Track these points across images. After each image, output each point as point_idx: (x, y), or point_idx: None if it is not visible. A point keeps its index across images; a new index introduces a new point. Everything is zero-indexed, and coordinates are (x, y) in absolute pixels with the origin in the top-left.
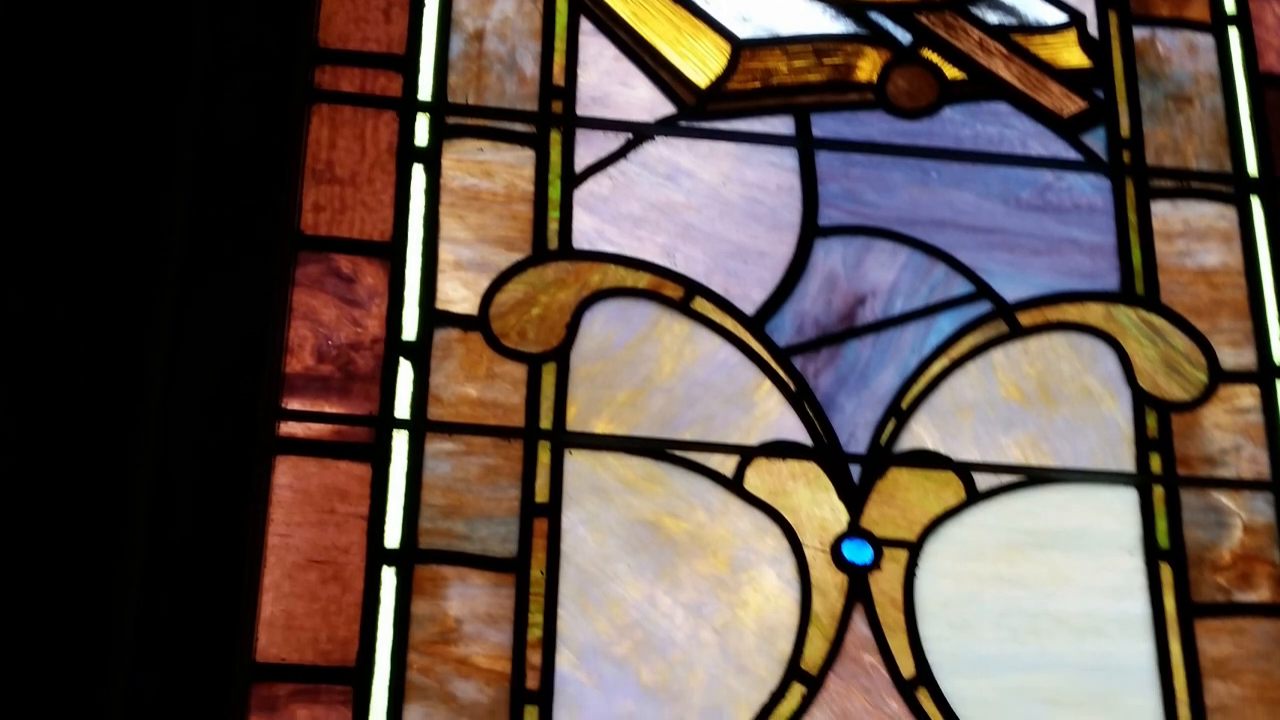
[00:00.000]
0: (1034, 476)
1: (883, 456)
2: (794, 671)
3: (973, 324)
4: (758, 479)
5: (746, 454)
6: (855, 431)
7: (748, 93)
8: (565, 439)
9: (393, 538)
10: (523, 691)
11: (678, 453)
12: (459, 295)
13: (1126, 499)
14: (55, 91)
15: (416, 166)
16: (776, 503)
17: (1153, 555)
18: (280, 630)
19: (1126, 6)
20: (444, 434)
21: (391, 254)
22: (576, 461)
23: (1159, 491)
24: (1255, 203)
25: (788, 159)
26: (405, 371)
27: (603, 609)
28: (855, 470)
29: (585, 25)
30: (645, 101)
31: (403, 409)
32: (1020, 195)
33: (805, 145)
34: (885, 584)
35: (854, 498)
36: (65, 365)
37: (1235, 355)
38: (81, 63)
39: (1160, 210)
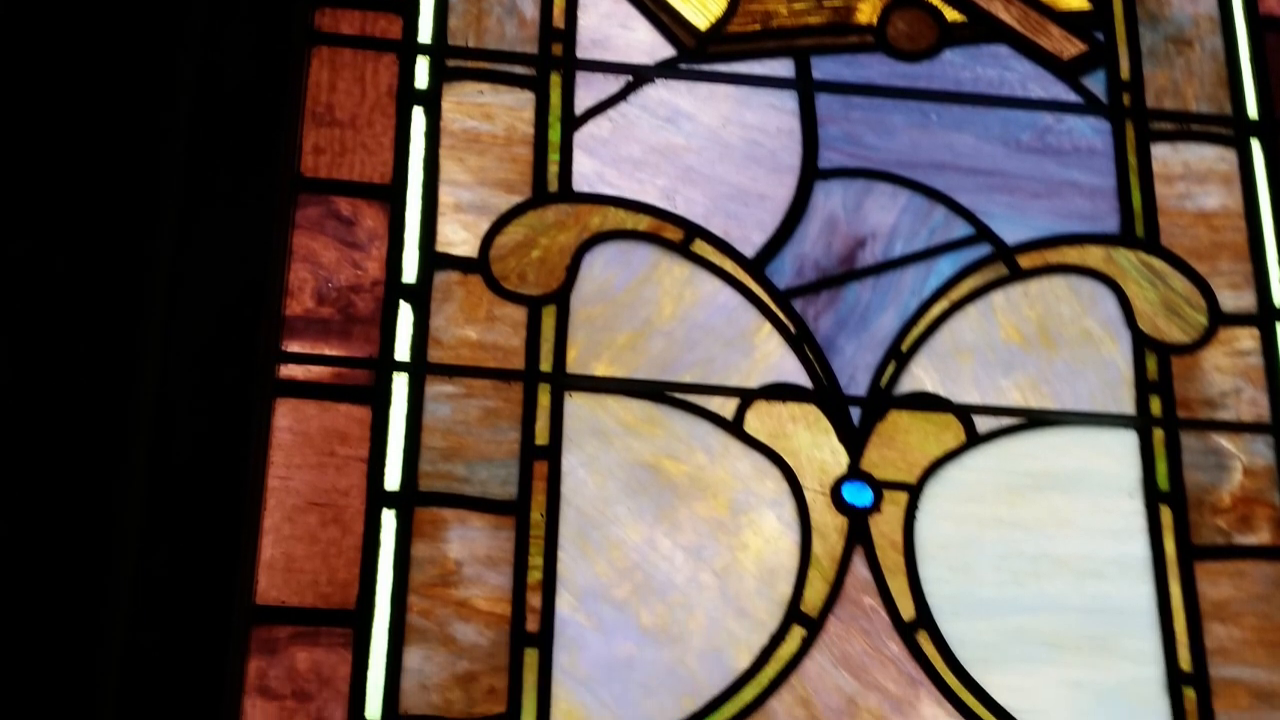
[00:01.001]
0: (1034, 419)
1: (883, 399)
2: (794, 614)
3: (973, 266)
4: (758, 421)
5: (746, 396)
6: (855, 374)
7: (748, 35)
8: (565, 381)
9: (393, 480)
10: (523, 634)
11: (678, 395)
12: (459, 238)
13: (1126, 441)
14: (55, 34)
15: (416, 109)
16: (776, 445)
17: (1153, 498)
18: (280, 573)
19: None
20: (444, 376)
21: (391, 197)
22: (576, 404)
23: (1159, 434)
24: (1255, 145)
25: (788, 101)
26: (405, 314)
27: (603, 551)
28: (855, 413)
29: None
30: (645, 44)
31: (403, 351)
32: (1020, 138)
33: (805, 88)
34: (885, 526)
35: (854, 440)
36: (65, 309)
37: (1235, 298)
38: (82, 5)
39: (1160, 153)
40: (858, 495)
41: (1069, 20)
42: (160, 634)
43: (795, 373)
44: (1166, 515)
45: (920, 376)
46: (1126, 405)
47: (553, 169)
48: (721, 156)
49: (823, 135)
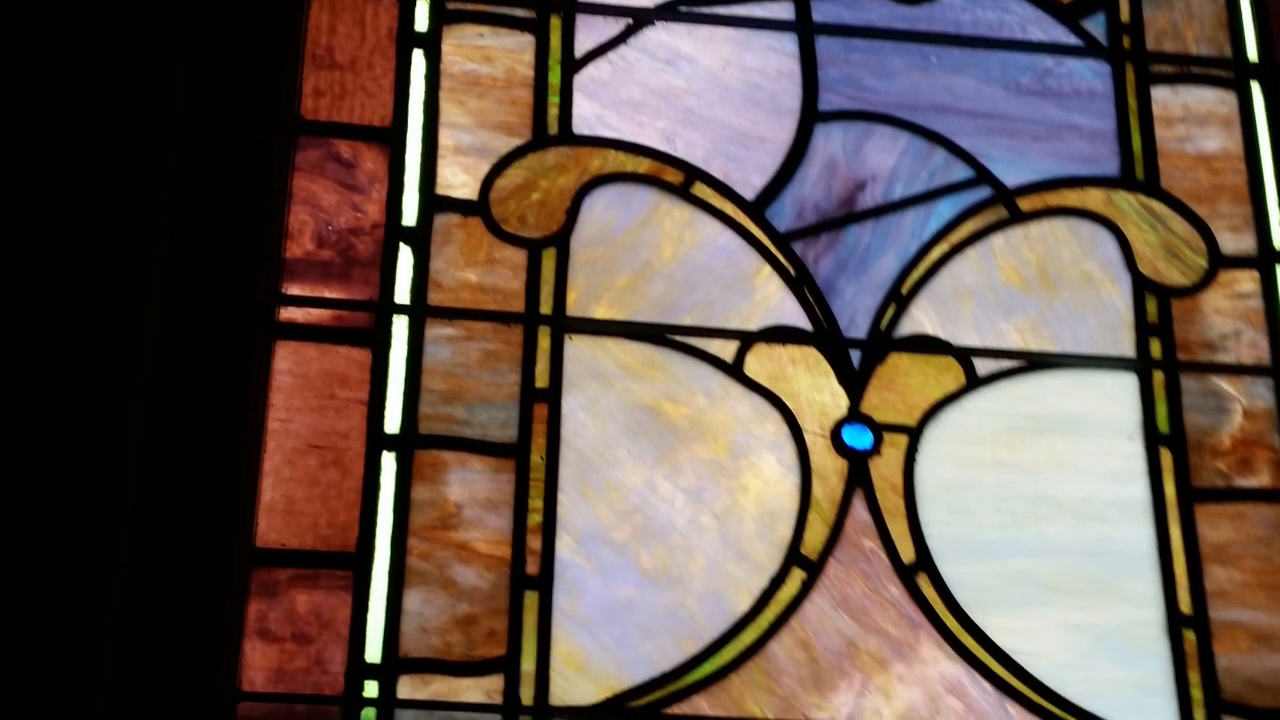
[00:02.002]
0: (1034, 361)
1: (883, 341)
2: (794, 556)
3: (973, 209)
4: (758, 364)
5: (746, 339)
6: (855, 317)
7: None
8: (565, 324)
9: (393, 423)
10: (522, 576)
11: (678, 338)
12: (459, 180)
13: (1126, 384)
14: None
15: (416, 52)
16: (776, 388)
17: (1153, 440)
18: (280, 515)
19: None
20: (444, 319)
21: (391, 139)
22: (576, 346)
23: (1159, 376)
24: (1255, 88)
25: (788, 44)
26: (405, 256)
27: (603, 494)
28: (855, 355)
29: None
30: None
31: (403, 294)
32: (1020, 81)
33: (805, 30)
34: (885, 469)
35: (854, 383)
36: (65, 250)
37: (1235, 240)
38: None
39: (1160, 95)
40: (858, 438)
41: None
42: (161, 577)
43: (795, 315)
44: (1166, 458)
45: (920, 319)
46: (1126, 348)
47: (553, 112)
48: (721, 99)
49: (823, 78)
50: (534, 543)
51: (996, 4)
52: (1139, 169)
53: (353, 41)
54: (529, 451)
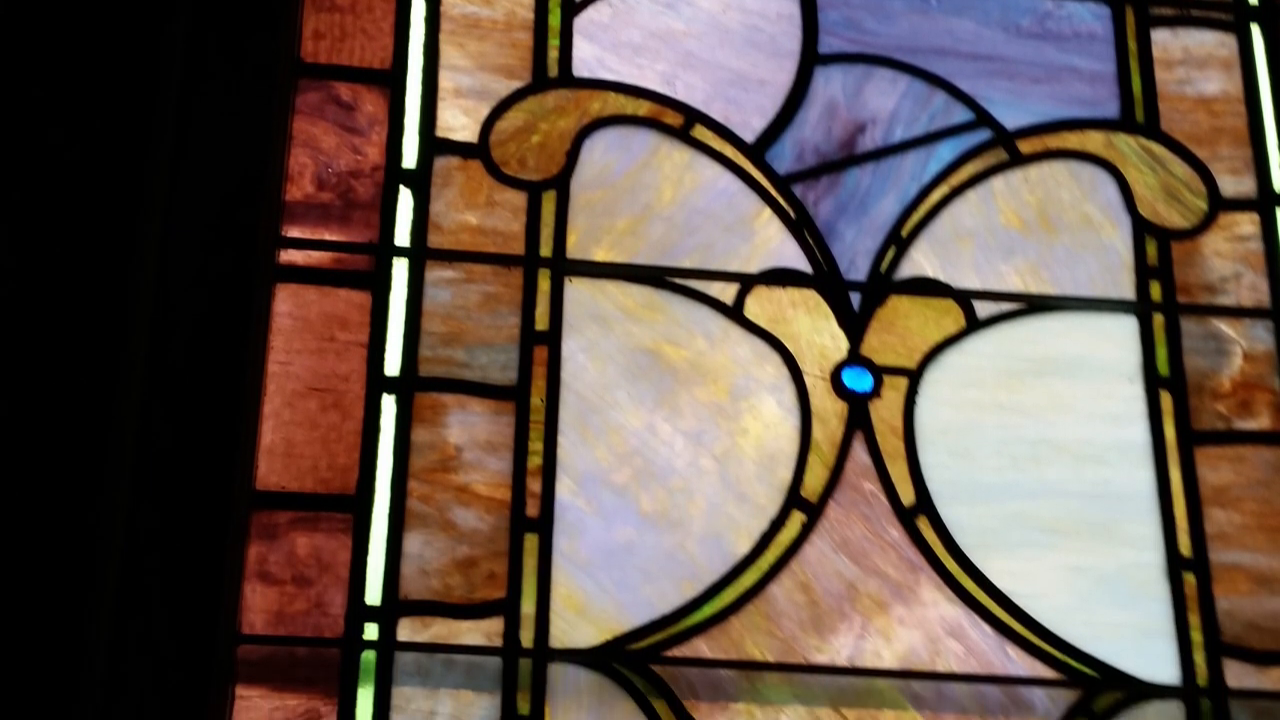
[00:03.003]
0: (1034, 304)
1: (883, 284)
2: (794, 499)
3: (973, 152)
4: (758, 306)
5: (746, 281)
6: (855, 259)
7: None
8: (565, 267)
9: (393, 365)
10: (522, 519)
11: (678, 280)
12: (459, 123)
13: (1126, 326)
14: None
15: None
16: (776, 330)
17: (1153, 383)
18: (280, 458)
19: None
20: (444, 261)
21: (391, 81)
22: (576, 289)
23: (1159, 319)
24: (1255, 31)
25: None
26: (405, 199)
27: (603, 437)
28: (855, 298)
29: None
30: None
31: (403, 236)
32: (1020, 23)
33: None
34: (885, 411)
35: (854, 325)
36: (65, 195)
37: (1235, 183)
38: None
39: (1160, 38)
40: (858, 380)
41: None
42: (161, 519)
43: (795, 258)
44: (1166, 400)
45: (920, 262)
46: (1126, 290)
47: (553, 54)
48: (721, 42)
49: (822, 20)
50: (534, 485)
51: None
52: (1139, 112)
53: None
54: (529, 394)
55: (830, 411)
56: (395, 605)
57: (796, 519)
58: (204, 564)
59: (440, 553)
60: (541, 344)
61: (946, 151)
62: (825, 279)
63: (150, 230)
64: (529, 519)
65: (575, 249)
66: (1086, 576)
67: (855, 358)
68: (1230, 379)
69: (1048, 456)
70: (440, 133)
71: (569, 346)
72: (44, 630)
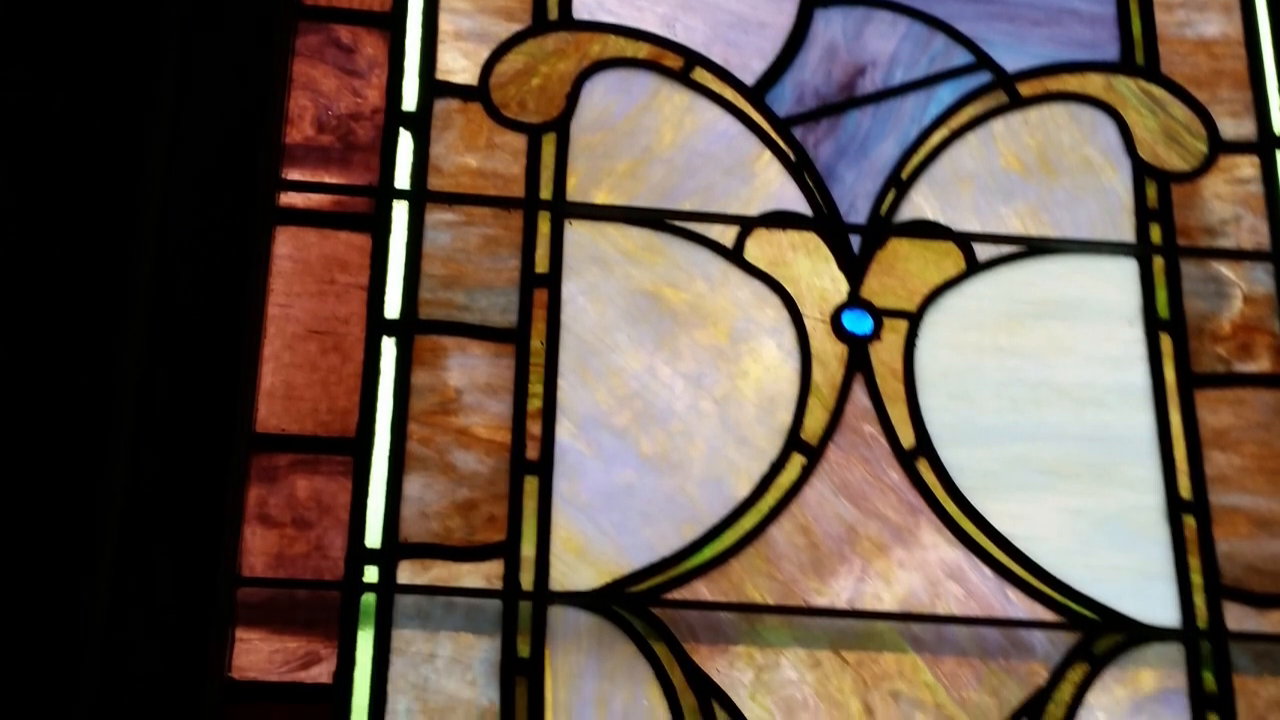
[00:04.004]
0: (1034, 247)
1: (883, 227)
2: (794, 442)
3: (973, 94)
4: (758, 249)
5: (746, 224)
6: (855, 202)
7: None
8: (565, 209)
9: (393, 308)
10: (522, 461)
11: (678, 223)
12: (459, 65)
13: (1126, 269)
14: None
15: None
16: (776, 273)
17: (1153, 325)
18: (280, 401)
19: None
20: (444, 204)
21: (391, 24)
22: (576, 232)
23: (1159, 262)
24: None
25: None
26: (405, 142)
27: (603, 379)
28: (855, 240)
29: None
30: None
31: (403, 179)
32: None
33: None
34: (885, 354)
35: (854, 268)
36: (65, 137)
37: (1235, 125)
38: None
39: None
40: (858, 323)
41: None
42: (161, 462)
43: (795, 200)
44: (1166, 343)
45: (920, 204)
46: (1126, 233)
47: None
48: None
49: None
50: (534, 428)
51: None
52: (1139, 54)
53: None
54: (529, 336)
55: (830, 354)
56: (395, 548)
57: (796, 461)
58: (204, 507)
59: (440, 495)
60: (541, 286)
61: (946, 94)
62: (825, 221)
63: (152, 173)
64: (529, 462)
65: (575, 192)
66: (1086, 519)
67: (855, 300)
68: (1230, 321)
69: (1048, 399)
70: (440, 75)
71: (569, 289)
72: (45, 574)
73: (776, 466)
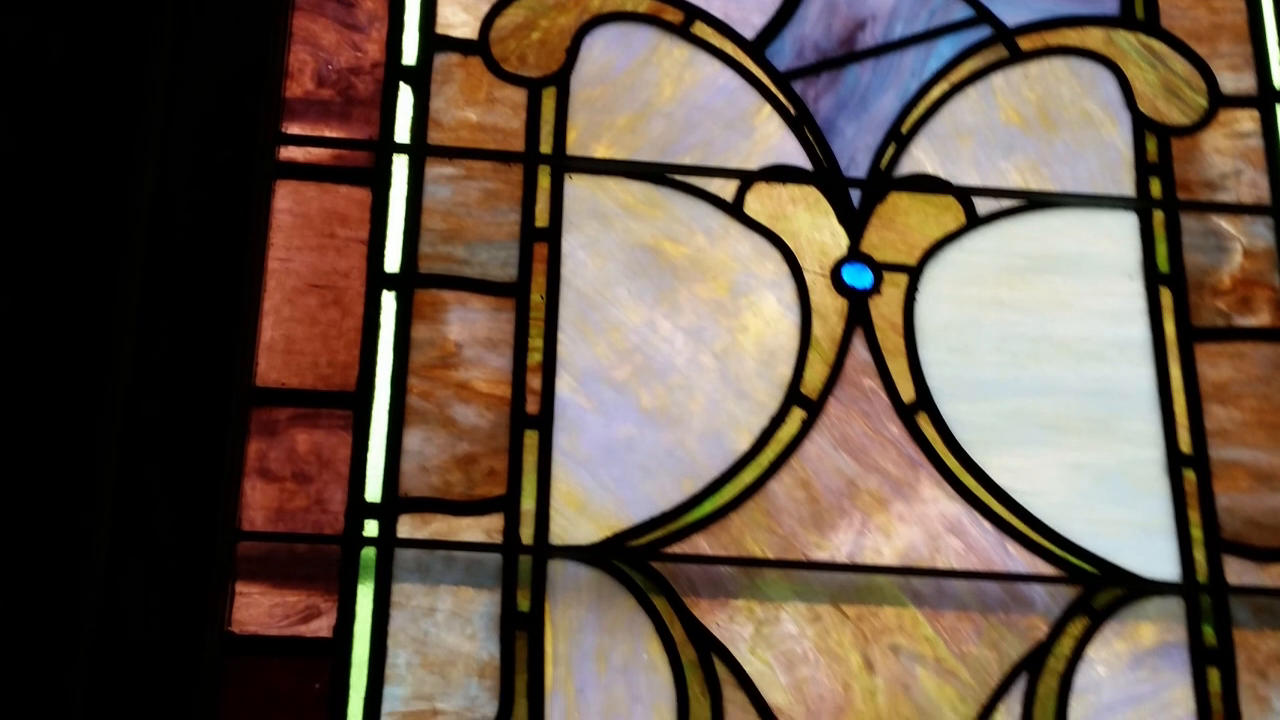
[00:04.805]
0: (1034, 201)
1: (883, 181)
2: (794, 396)
3: (973, 48)
4: (758, 203)
5: (746, 178)
6: (855, 156)
7: None
8: (565, 163)
9: (393, 262)
10: (523, 415)
11: (678, 177)
12: (459, 19)
13: (1126, 223)
14: None
15: None
16: (776, 227)
17: (1153, 279)
18: (280, 355)
19: None
20: (444, 158)
21: None
22: (576, 186)
23: (1159, 216)
24: None
25: None
26: (405, 96)
27: (603, 333)
28: (855, 194)
29: None
30: None
31: (403, 133)
32: None
33: None
34: (885, 308)
35: (854, 222)
36: (65, 90)
37: (1235, 79)
38: None
39: None
40: (858, 277)
41: None
42: (161, 416)
43: (795, 154)
44: (1166, 297)
45: (920, 158)
46: (1126, 187)
47: None
48: None
49: None
50: (534, 382)
51: None
52: (1139, 8)
53: None
54: (529, 290)
55: (830, 308)
56: (395, 502)
57: (796, 416)
58: (204, 461)
59: (440, 449)
60: (541, 241)
61: (946, 48)
62: (825, 176)
63: (151, 128)
64: (529, 416)
65: (575, 146)
66: (1086, 473)
67: (855, 254)
68: (1230, 275)
69: (1048, 353)
70: (440, 29)
71: (569, 243)
72: (45, 528)
73: (776, 421)
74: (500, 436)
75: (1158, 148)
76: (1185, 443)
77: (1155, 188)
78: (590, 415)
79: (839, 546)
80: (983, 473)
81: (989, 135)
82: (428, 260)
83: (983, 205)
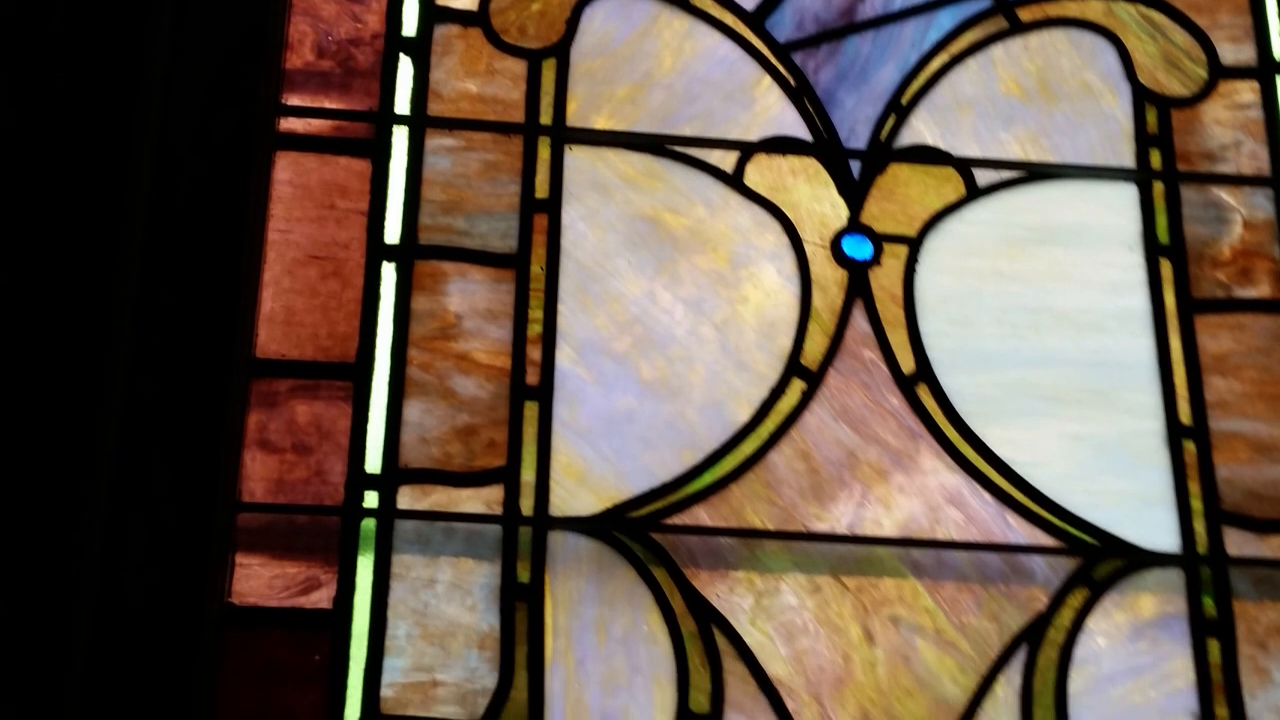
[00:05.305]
0: (1034, 172)
1: (883, 152)
2: (794, 367)
3: (973, 19)
4: (758, 174)
5: (746, 149)
6: (855, 127)
7: None
8: (565, 135)
9: (393, 233)
10: (522, 387)
11: (678, 148)
12: None
13: (1126, 195)
14: None
15: None
16: (776, 198)
17: (1153, 251)
18: (280, 326)
19: None
20: (444, 130)
21: None
22: (576, 157)
23: (1159, 187)
24: None
25: None
26: (405, 67)
27: (603, 305)
28: (855, 166)
29: None
30: None
31: (403, 105)
32: None
33: None
34: (885, 280)
35: (854, 193)
36: (64, 61)
37: (1235, 51)
38: None
39: None
40: (858, 248)
41: None
42: (160, 388)
43: (795, 126)
44: (1166, 268)
45: (920, 130)
46: (1126, 158)
47: None
48: None
49: None
50: (534, 353)
51: None
52: None
53: None
54: (529, 262)
55: (830, 279)
56: (395, 473)
57: (796, 387)
58: (204, 432)
59: (440, 421)
60: (541, 212)
61: (946, 19)
62: (825, 147)
63: (151, 98)
64: (529, 387)
65: (575, 117)
66: (1086, 444)
67: (855, 226)
68: (1230, 247)
69: (1048, 325)
70: (440, 1)
71: (569, 214)
72: (44, 500)
73: (776, 392)
74: (500, 408)
75: (1158, 119)
76: (1185, 414)
77: (1155, 159)
78: (590, 386)
79: (839, 518)
80: (983, 444)
81: (989, 107)
82: (428, 232)
83: (983, 176)
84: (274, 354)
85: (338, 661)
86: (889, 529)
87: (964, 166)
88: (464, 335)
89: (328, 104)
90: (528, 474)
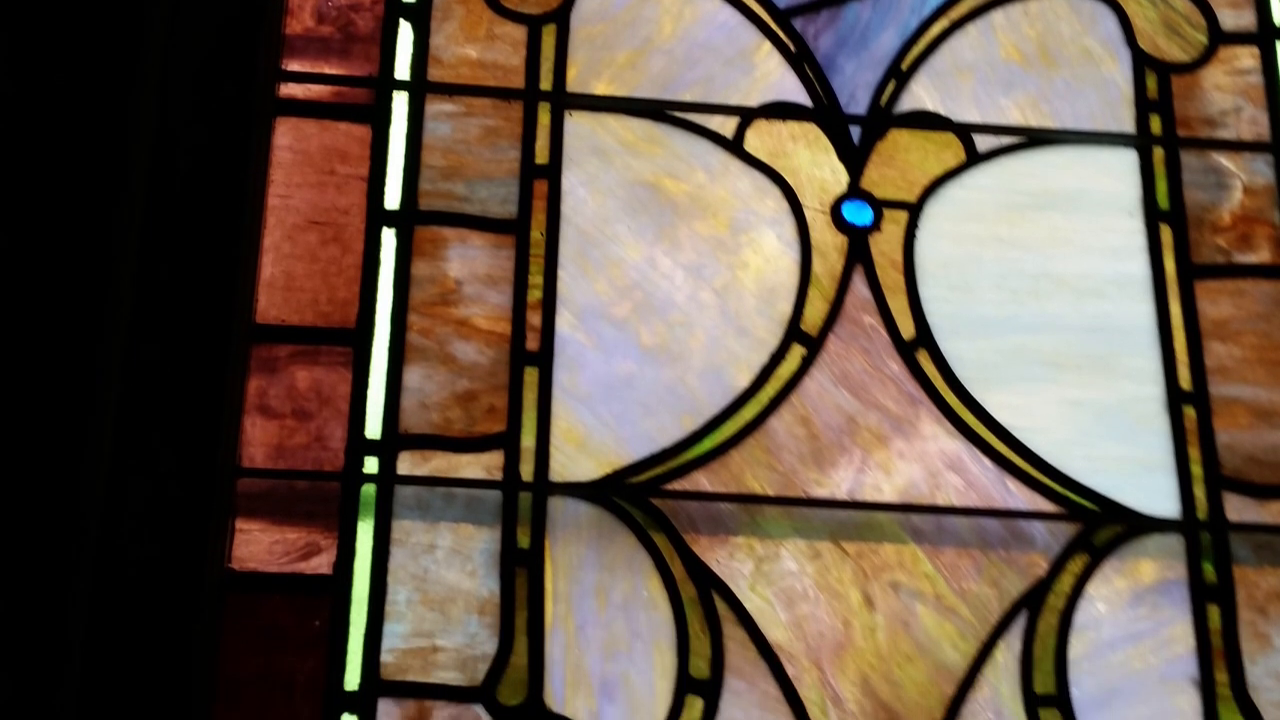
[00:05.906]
0: (1034, 138)
1: (883, 117)
2: (794, 332)
3: None
4: (758, 140)
5: (746, 115)
6: (855, 93)
7: None
8: (565, 100)
9: (393, 199)
10: (522, 352)
11: (678, 114)
12: None
13: (1126, 160)
14: None
15: None
16: (776, 164)
17: (1153, 216)
18: (280, 291)
19: None
20: (444, 95)
21: None
22: (576, 123)
23: (1159, 153)
24: None
25: None
26: (405, 32)
27: (603, 270)
28: (855, 131)
29: None
30: None
31: (403, 70)
32: None
33: None
34: (885, 245)
35: (854, 159)
36: (63, 26)
37: (1235, 16)
38: None
39: None
40: (858, 214)
41: None
42: (161, 353)
43: (795, 91)
44: (1166, 234)
45: (920, 95)
46: (1126, 124)
47: None
48: None
49: None
50: (534, 319)
51: None
52: None
53: None
54: (529, 227)
55: (830, 245)
56: (395, 439)
57: (796, 352)
58: (204, 397)
59: (440, 386)
60: (541, 177)
61: None
62: (825, 112)
63: (151, 64)
64: (529, 352)
65: (575, 83)
66: (1086, 410)
67: (855, 191)
68: (1230, 212)
69: (1048, 290)
70: None
71: (569, 180)
72: (45, 466)
73: (776, 357)
74: (500, 373)
75: (1158, 85)
76: (1185, 379)
77: (1155, 124)
78: (590, 352)
79: (839, 483)
80: (983, 410)
81: (989, 72)
82: (428, 197)
83: (983, 142)
84: (274, 319)
85: (338, 627)
86: (889, 494)
87: (964, 132)
88: (464, 301)
89: (328, 70)
90: (528, 439)
